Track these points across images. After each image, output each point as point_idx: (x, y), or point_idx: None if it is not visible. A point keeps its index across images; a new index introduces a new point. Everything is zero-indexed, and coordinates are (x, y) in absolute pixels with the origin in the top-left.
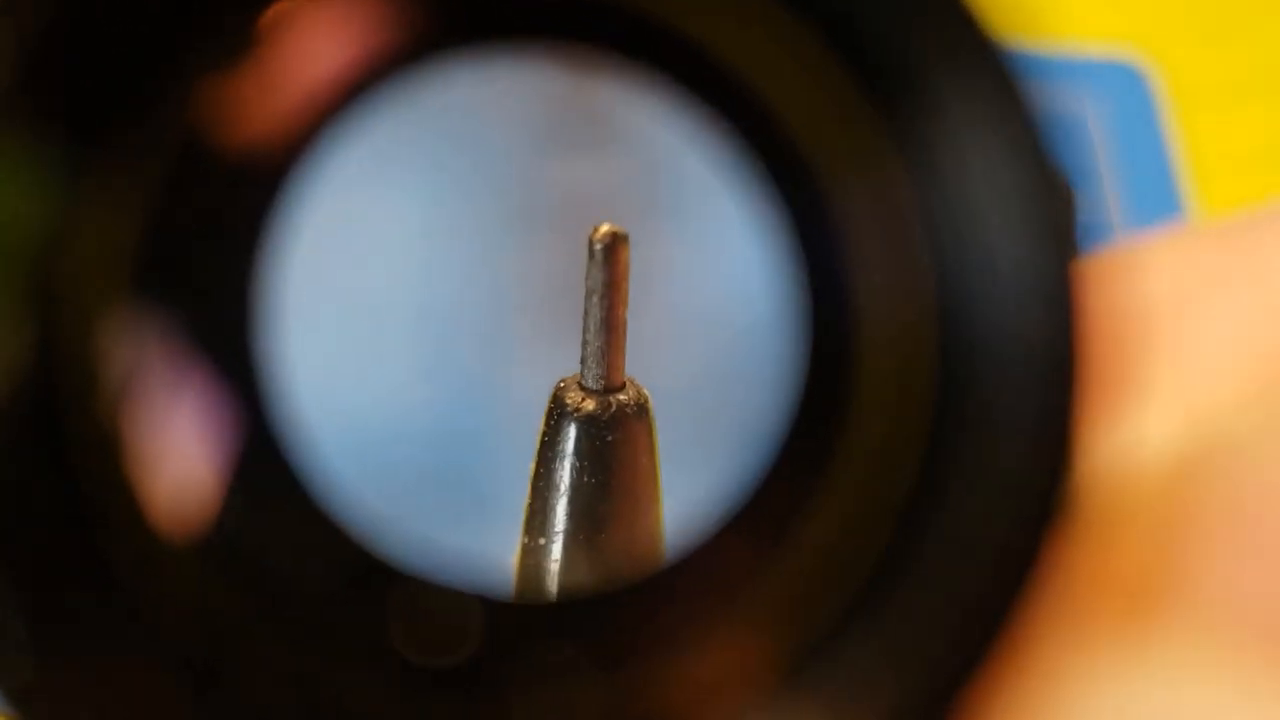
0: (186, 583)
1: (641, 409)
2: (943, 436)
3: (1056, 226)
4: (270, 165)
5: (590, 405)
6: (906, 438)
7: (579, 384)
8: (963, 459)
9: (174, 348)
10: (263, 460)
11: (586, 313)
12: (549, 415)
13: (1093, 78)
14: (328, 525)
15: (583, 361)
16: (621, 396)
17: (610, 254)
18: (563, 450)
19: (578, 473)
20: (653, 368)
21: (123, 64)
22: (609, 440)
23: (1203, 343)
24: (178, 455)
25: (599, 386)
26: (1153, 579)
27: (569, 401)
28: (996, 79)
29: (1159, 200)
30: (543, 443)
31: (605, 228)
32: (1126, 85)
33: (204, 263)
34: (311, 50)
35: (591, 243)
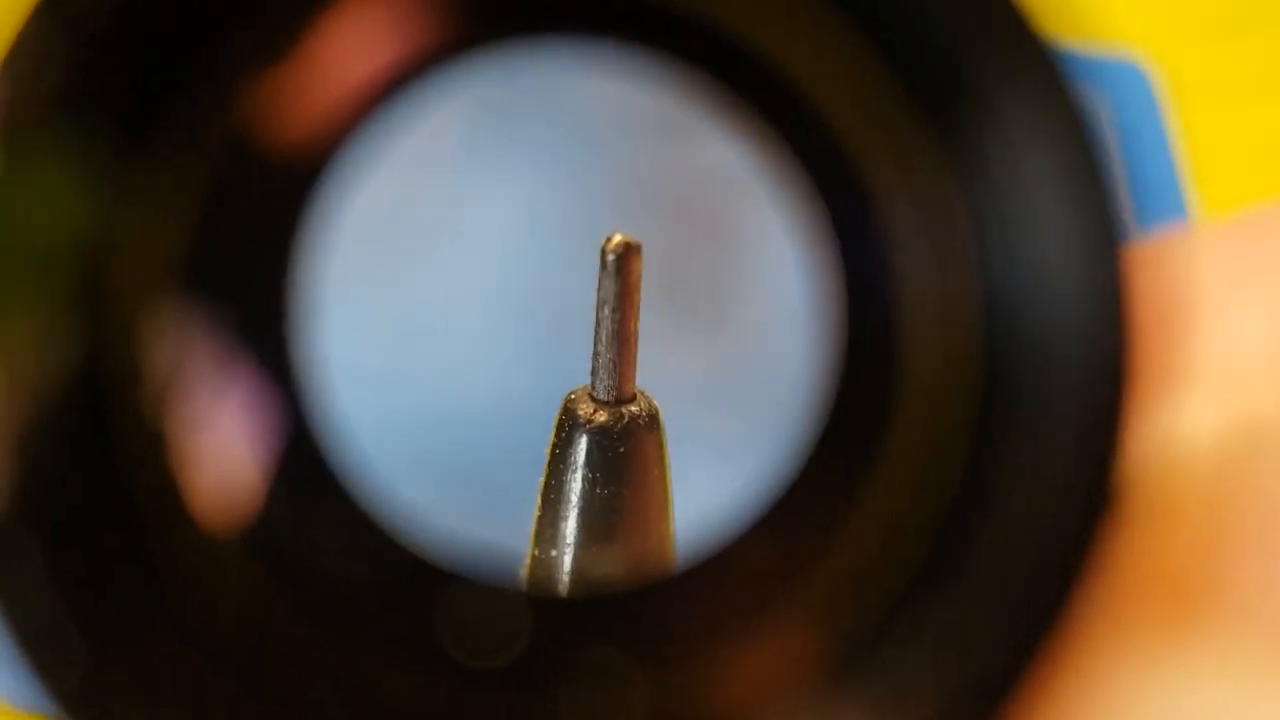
0: (233, 581)
1: (653, 420)
2: (988, 436)
3: (1104, 225)
4: (313, 162)
5: (602, 417)
6: (952, 437)
7: (590, 395)
8: (1009, 458)
9: (218, 345)
10: (309, 458)
11: (598, 323)
12: (559, 427)
13: (1095, 76)
14: (373, 524)
15: (593, 373)
16: (633, 408)
17: (622, 264)
18: (574, 462)
19: (589, 484)
20: (700, 360)
21: (168, 64)
22: (621, 452)
23: (1239, 337)
24: (222, 452)
25: (610, 398)
26: (1196, 579)
27: (580, 413)
28: (1046, 79)
29: (1163, 199)
30: (553, 455)
31: (618, 238)
32: (1129, 84)
33: (249, 260)
34: (354, 47)
35: (604, 253)
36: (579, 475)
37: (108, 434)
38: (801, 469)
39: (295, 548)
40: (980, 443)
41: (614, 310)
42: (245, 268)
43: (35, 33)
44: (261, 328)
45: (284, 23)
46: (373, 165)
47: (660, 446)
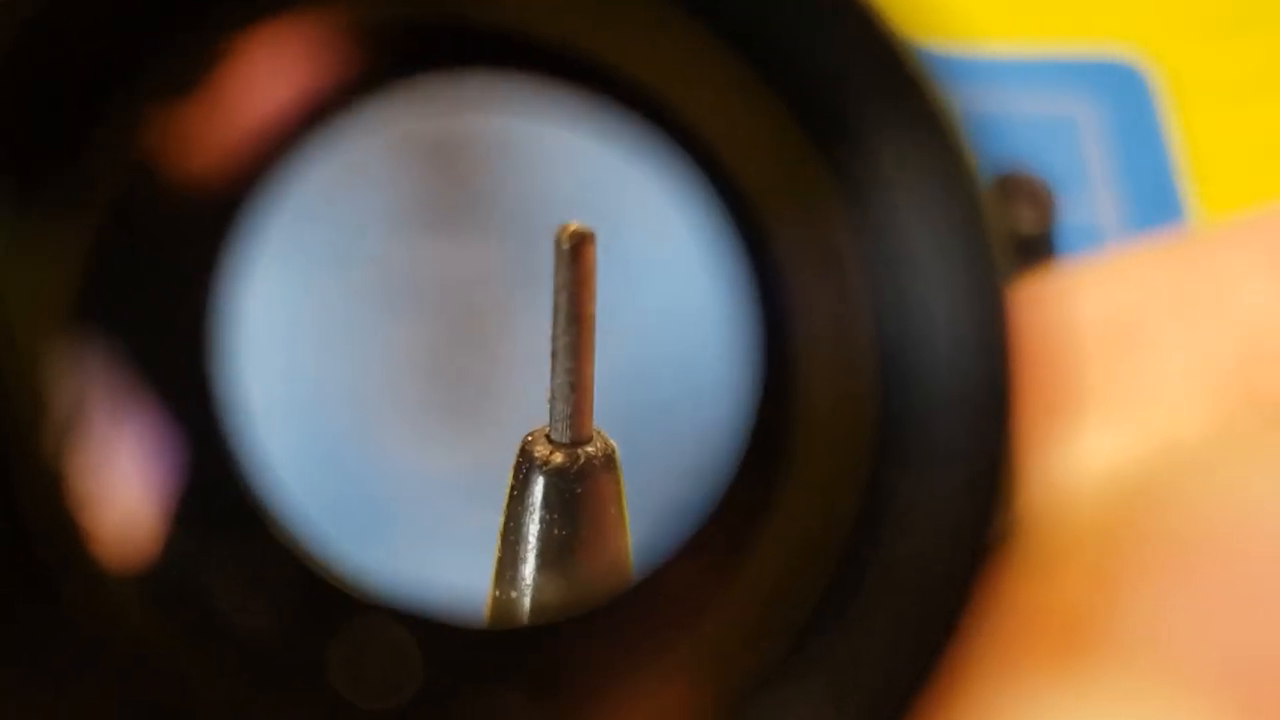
0: (135, 621)
1: (609, 460)
2: (882, 475)
3: (983, 265)
4: (218, 197)
5: (559, 458)
6: (847, 475)
7: (546, 437)
8: (900, 496)
9: (117, 383)
10: (210, 497)
11: (554, 323)
12: (517, 469)
13: (1092, 78)
14: (276, 562)
15: (550, 414)
16: (589, 449)
17: (576, 253)
18: (531, 503)
19: (547, 525)
20: (605, 401)
21: (68, 96)
22: (578, 493)
23: (1155, 367)
24: (121, 489)
25: (566, 439)
26: (1086, 614)
27: (537, 454)
28: (921, 117)
29: (1159, 201)
30: (511, 496)
31: (572, 226)
32: (1126, 85)
33: (150, 295)
34: (262, 82)
35: (558, 241)
36: (536, 516)
37: (6, 472)
38: (701, 509)
39: (198, 587)
40: (874, 482)
41: (571, 296)
42: (147, 302)
43: None
44: (162, 365)
45: (190, 57)
46: (283, 199)
47: (617, 485)
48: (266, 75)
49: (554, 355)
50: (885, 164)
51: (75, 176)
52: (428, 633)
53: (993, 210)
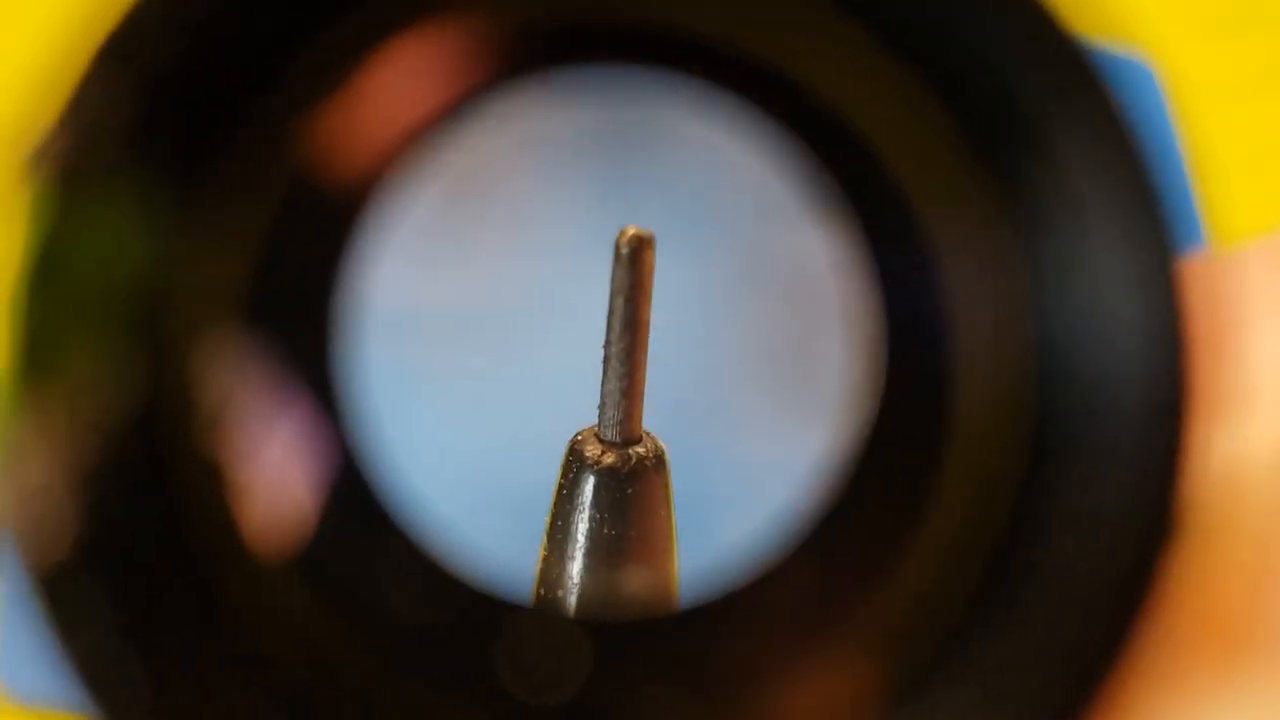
0: (287, 610)
1: (659, 461)
2: (1041, 472)
3: (1161, 257)
4: (365, 196)
5: (610, 458)
6: (1004, 475)
7: (596, 436)
8: (1062, 495)
9: (271, 377)
10: (361, 489)
11: (607, 345)
12: (566, 468)
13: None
14: (427, 555)
15: (600, 416)
16: (640, 449)
17: (636, 256)
18: (581, 503)
19: (596, 524)
20: (743, 385)
21: (227, 103)
22: (628, 493)
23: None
24: (274, 482)
25: (617, 439)
26: (1246, 619)
27: (588, 454)
28: (1104, 120)
29: (1174, 203)
30: (560, 495)
31: (631, 230)
32: (1134, 82)
33: (303, 293)
34: (405, 85)
35: (617, 245)
36: (586, 516)
37: (165, 468)
38: (847, 496)
39: (348, 577)
40: (1033, 481)
41: (627, 300)
42: (300, 300)
43: (99, 74)
44: (314, 359)
45: (338, 61)
46: (415, 194)
47: (666, 487)
48: (408, 80)
49: (606, 360)
50: (1060, 163)
51: (234, 176)
52: (584, 629)
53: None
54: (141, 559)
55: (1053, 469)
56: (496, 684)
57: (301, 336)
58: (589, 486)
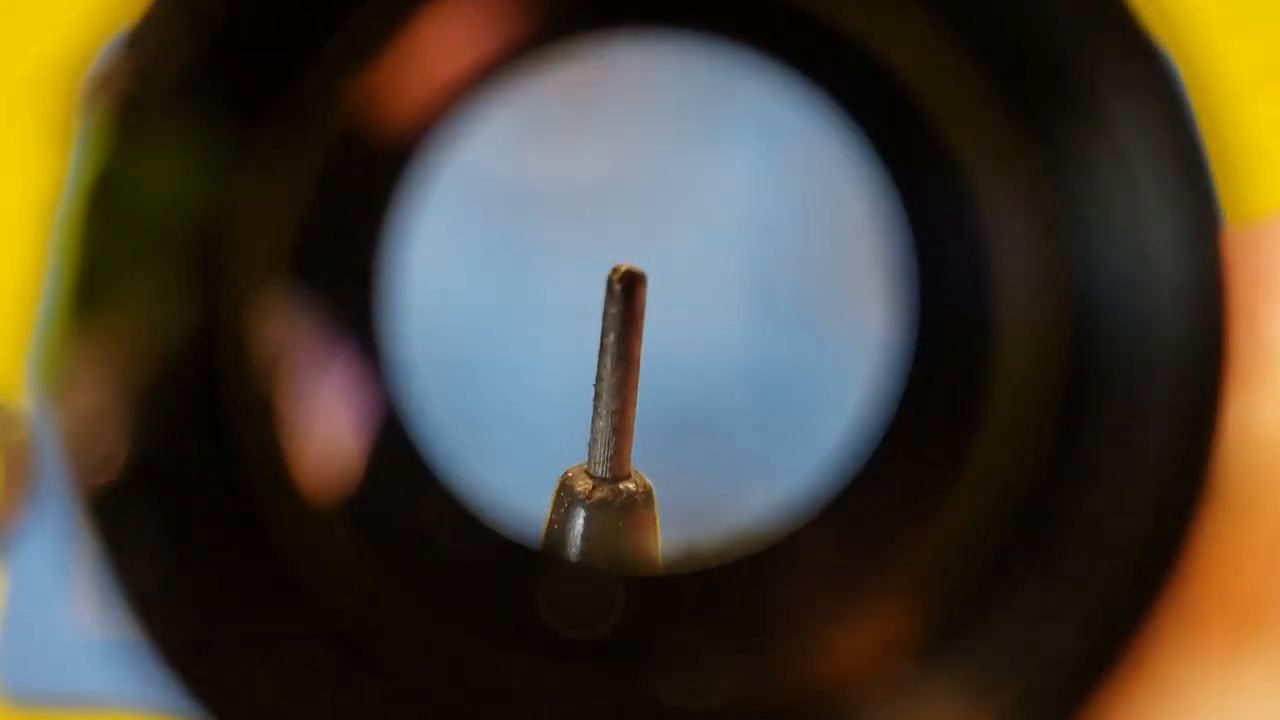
0: (335, 549)
1: (648, 496)
2: (1077, 427)
3: (1205, 217)
4: (413, 149)
5: (601, 493)
6: (1042, 426)
7: (586, 472)
8: (1096, 450)
9: (323, 323)
10: (409, 434)
11: (598, 381)
12: (557, 503)
13: None
14: (471, 500)
15: (590, 453)
16: (629, 485)
17: (629, 293)
18: (572, 536)
19: (587, 558)
20: (775, 338)
21: (283, 50)
22: (619, 526)
23: None
24: (325, 424)
25: (607, 475)
26: (1266, 597)
27: (579, 489)
28: (1151, 72)
29: None
30: (550, 529)
31: (624, 267)
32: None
33: (355, 243)
34: (453, 38)
35: (610, 282)
36: (577, 549)
37: (219, 403)
38: (884, 450)
39: (396, 519)
40: (1068, 435)
41: (620, 336)
42: (353, 250)
43: (160, 14)
44: (363, 308)
45: (389, 14)
46: (462, 147)
47: (654, 522)
48: (456, 33)
49: (597, 396)
50: (1106, 114)
51: (289, 124)
52: (623, 578)
53: (1214, 164)
54: (192, 488)
55: (1088, 424)
56: (536, 623)
57: (348, 288)
58: (579, 521)
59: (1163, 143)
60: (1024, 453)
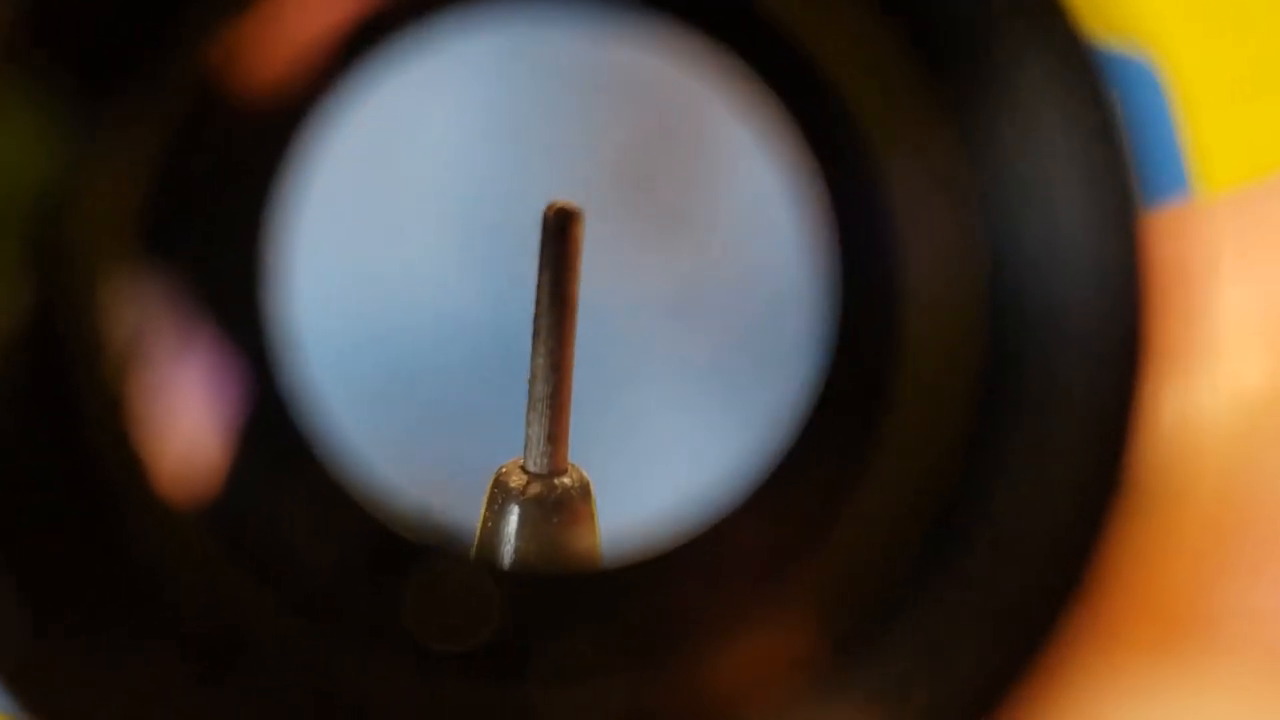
0: (197, 557)
1: (585, 491)
2: (989, 422)
3: (1121, 197)
4: (279, 117)
5: (536, 489)
6: (951, 422)
7: (521, 468)
8: (1010, 448)
9: (181, 308)
10: (274, 429)
11: (536, 304)
12: (491, 500)
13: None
14: (341, 497)
15: (526, 445)
16: (565, 480)
17: (563, 231)
18: (507, 534)
19: (521, 556)
20: (687, 333)
21: (132, 12)
22: (554, 523)
23: (1235, 312)
24: (185, 421)
25: (543, 470)
26: (1188, 603)
27: (513, 485)
28: (1065, 46)
29: (1166, 175)
30: (485, 527)
31: (559, 204)
32: (1136, 81)
33: (212, 220)
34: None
35: (545, 218)
36: (511, 547)
37: (66, 399)
38: (792, 450)
39: (264, 524)
40: (981, 429)
41: (555, 274)
42: (210, 227)
43: None
44: (225, 290)
45: None
46: (338, 119)
47: (592, 517)
48: None
49: (535, 335)
50: (1019, 89)
51: (139, 95)
52: (502, 578)
53: (1128, 141)
54: (36, 494)
55: (1001, 419)
56: (408, 630)
57: (212, 266)
58: (514, 517)
59: (1077, 117)
60: (934, 446)
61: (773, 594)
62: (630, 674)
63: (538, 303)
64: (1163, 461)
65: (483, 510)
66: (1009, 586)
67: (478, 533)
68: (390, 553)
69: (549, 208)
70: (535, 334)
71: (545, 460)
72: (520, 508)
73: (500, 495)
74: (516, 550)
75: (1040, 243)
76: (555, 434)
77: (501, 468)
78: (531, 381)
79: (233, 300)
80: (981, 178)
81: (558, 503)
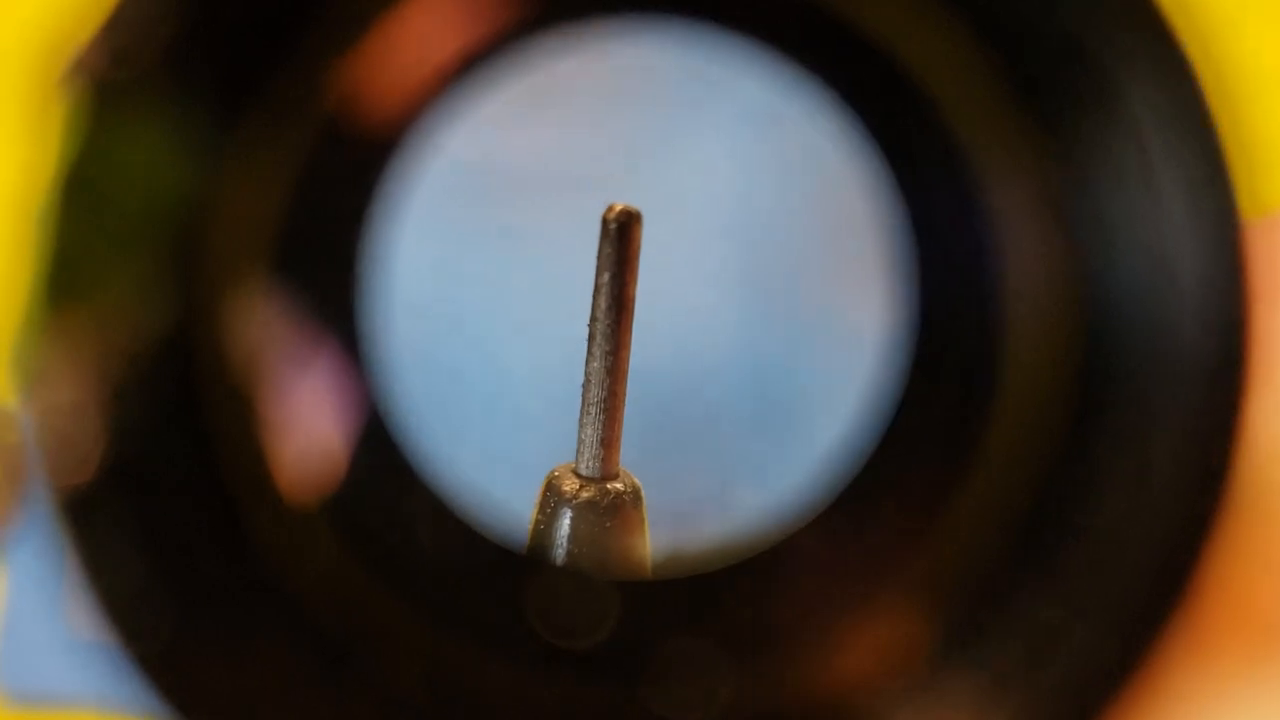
0: (316, 551)
1: (636, 496)
2: (1089, 428)
3: (1224, 211)
4: (395, 141)
5: (588, 493)
6: (1052, 427)
7: (574, 472)
8: (1109, 453)
9: (305, 319)
10: (392, 435)
11: (594, 305)
12: (544, 503)
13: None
14: (456, 503)
15: (579, 449)
16: (617, 484)
17: (624, 232)
18: (559, 537)
19: (573, 560)
20: (771, 337)
21: (264, 38)
22: (607, 527)
23: None
24: (306, 424)
25: (595, 474)
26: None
27: (566, 489)
28: (1170, 65)
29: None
30: (537, 529)
31: (619, 206)
32: None
33: (338, 235)
34: (435, 29)
35: (605, 221)
36: (564, 551)
37: (197, 401)
38: (892, 450)
39: (378, 521)
40: (1080, 436)
41: (614, 277)
42: (329, 245)
43: None
44: (345, 304)
45: (371, 1)
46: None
47: (643, 522)
48: (437, 24)
49: (590, 338)
50: (1124, 107)
51: (271, 113)
52: (615, 584)
53: (1233, 159)
54: (169, 488)
55: (1100, 425)
56: (521, 629)
57: (330, 282)
58: (566, 521)
59: (1181, 136)
60: (1033, 457)
61: (877, 591)
62: (741, 671)
63: (594, 306)
64: (1260, 476)
65: (534, 513)
66: (1110, 594)
67: (529, 534)
68: (503, 555)
69: (609, 209)
70: (590, 338)
71: (597, 464)
72: (573, 511)
73: (553, 498)
74: (568, 554)
75: (1141, 258)
76: (608, 439)
77: (554, 470)
78: (585, 385)
79: (351, 312)
80: (1081, 193)
81: (610, 507)
